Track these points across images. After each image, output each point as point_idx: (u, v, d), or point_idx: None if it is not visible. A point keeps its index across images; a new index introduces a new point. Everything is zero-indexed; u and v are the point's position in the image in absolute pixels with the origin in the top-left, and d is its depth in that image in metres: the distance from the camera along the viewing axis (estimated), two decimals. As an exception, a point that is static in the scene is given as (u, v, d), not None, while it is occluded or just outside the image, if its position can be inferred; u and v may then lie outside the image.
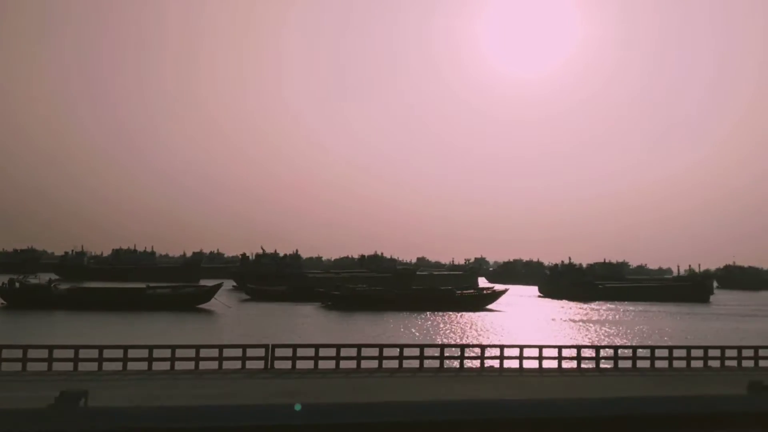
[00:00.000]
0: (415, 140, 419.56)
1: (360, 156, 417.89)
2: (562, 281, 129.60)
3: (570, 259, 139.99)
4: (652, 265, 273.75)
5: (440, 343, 38.54)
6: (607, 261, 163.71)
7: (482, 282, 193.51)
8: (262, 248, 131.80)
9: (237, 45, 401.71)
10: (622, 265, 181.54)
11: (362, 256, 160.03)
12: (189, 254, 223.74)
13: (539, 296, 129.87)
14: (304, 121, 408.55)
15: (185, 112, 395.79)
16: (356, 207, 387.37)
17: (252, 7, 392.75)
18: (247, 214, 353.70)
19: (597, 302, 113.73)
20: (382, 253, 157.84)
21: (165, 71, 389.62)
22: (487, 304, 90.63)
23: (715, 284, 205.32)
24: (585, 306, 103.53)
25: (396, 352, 26.36)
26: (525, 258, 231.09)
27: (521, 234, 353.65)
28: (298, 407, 17.40)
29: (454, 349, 28.04)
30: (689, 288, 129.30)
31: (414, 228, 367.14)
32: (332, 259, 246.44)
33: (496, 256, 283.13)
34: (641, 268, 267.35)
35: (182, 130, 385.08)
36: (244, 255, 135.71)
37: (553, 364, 26.66)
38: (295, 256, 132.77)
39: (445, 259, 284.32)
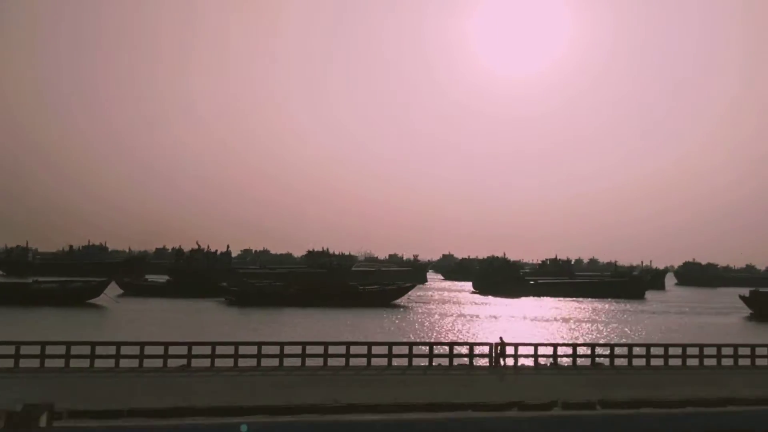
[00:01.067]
0: (408, 139, 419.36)
1: (350, 154, 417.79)
2: (494, 277, 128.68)
3: (504, 254, 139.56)
4: (624, 262, 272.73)
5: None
6: (558, 258, 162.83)
7: (436, 278, 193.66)
8: (197, 243, 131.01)
9: (229, 43, 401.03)
10: (572, 262, 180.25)
11: (309, 252, 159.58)
12: (169, 251, 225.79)
13: (473, 292, 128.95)
14: (292, 119, 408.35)
15: (171, 108, 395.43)
16: (345, 205, 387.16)
17: (244, 6, 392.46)
18: (232, 211, 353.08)
19: (525, 297, 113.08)
20: (328, 249, 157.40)
21: (157, 72, 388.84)
22: (393, 300, 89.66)
23: (674, 281, 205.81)
24: (506, 301, 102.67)
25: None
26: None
27: (510, 231, 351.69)
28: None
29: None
30: (624, 284, 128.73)
31: (400, 225, 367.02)
32: (299, 256, 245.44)
33: (482, 252, 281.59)
34: (610, 265, 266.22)
35: (170, 128, 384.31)
36: (180, 250, 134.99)
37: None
38: (226, 253, 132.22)
39: (434, 256, 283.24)
